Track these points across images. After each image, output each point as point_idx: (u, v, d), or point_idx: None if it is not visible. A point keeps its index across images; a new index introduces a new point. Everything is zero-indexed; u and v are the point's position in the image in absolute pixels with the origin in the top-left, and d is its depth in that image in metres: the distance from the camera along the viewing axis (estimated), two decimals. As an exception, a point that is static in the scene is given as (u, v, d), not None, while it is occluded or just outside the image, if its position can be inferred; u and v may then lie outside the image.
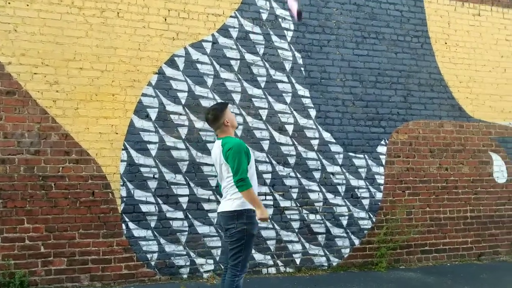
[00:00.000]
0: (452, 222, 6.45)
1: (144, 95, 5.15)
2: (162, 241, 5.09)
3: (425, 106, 6.45)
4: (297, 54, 5.84)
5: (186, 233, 5.20)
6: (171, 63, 5.28)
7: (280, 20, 5.80)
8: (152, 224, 5.07)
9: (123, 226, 4.96)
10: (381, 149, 6.16)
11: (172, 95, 5.26)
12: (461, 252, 6.47)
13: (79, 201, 4.83)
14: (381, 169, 6.12)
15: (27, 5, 4.80)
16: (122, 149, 5.02)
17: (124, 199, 4.99)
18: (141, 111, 5.13)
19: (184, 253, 5.17)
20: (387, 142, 6.19)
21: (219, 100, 5.43)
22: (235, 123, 3.69)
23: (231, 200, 3.42)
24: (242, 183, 3.33)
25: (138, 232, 5.02)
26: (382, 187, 6.11)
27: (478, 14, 6.89)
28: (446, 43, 6.65)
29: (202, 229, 5.26)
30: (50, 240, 4.71)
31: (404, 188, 6.23)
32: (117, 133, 5.01)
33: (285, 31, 5.81)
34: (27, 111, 4.74)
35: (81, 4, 4.97)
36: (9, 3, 4.74)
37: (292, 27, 5.85)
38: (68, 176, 4.81)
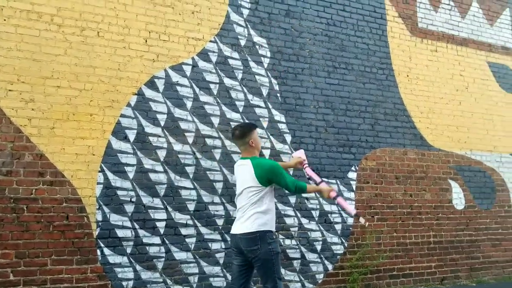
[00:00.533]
0: (417, 247, 6.67)
1: (122, 116, 5.03)
2: (138, 267, 4.89)
3: (391, 135, 6.74)
4: (274, 81, 5.96)
5: (163, 259, 5.03)
6: (151, 84, 5.22)
7: (257, 47, 5.92)
8: (128, 250, 4.87)
9: (98, 252, 4.73)
10: (352, 175, 6.33)
11: (151, 116, 5.18)
12: (425, 276, 6.68)
13: (52, 225, 4.56)
14: (352, 195, 6.28)
15: (4, 20, 4.61)
16: (99, 171, 4.84)
17: (100, 223, 4.77)
18: (119, 132, 4.99)
19: (161, 280, 4.98)
20: (357, 168, 6.38)
21: (199, 123, 5.40)
22: (259, 146, 3.79)
23: (251, 220, 3.41)
24: (300, 191, 3.59)
25: (113, 259, 4.79)
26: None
27: (435, 50, 7.38)
28: (408, 76, 7.04)
29: (179, 255, 5.11)
30: (20, 267, 4.39)
31: (373, 213, 6.40)
32: (94, 154, 4.83)
33: (262, 58, 5.94)
34: (0, 129, 4.48)
35: (60, 21, 4.85)
36: (-16, 16, 4.54)
37: (268, 54, 5.99)
38: (41, 198, 4.55)
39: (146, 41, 5.26)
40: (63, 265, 4.55)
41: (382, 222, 6.45)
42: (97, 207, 4.77)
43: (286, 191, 3.65)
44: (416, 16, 7.29)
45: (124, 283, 4.79)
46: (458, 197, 7.18)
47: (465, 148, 7.39)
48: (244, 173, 3.58)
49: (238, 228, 3.49)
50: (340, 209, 6.12)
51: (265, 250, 3.35)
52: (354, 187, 6.31)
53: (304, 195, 5.91)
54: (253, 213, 3.42)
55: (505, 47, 8.18)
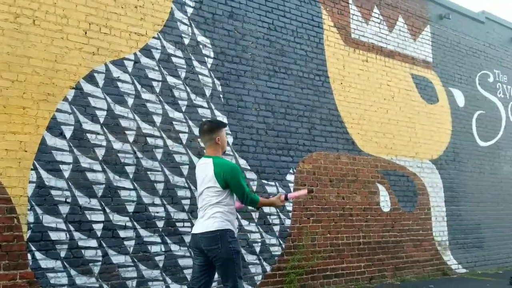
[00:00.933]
0: (348, 247, 6.92)
1: (58, 110, 4.71)
2: (72, 272, 4.58)
3: (326, 139, 6.96)
4: (217, 81, 5.92)
5: (100, 263, 4.76)
6: (90, 78, 4.96)
7: (201, 46, 5.85)
8: (62, 254, 4.55)
9: (29, 256, 4.37)
10: (290, 177, 6.44)
11: (89, 112, 4.90)
12: (355, 276, 6.95)
13: (-23, 228, 4.15)
14: (289, 197, 6.37)
15: None
16: (31, 169, 4.48)
17: (31, 225, 4.42)
18: (54, 128, 4.67)
19: (97, 285, 4.71)
20: (294, 171, 6.51)
21: (140, 122, 5.21)
22: (225, 146, 3.70)
23: (212, 219, 3.34)
24: (252, 203, 3.56)
25: (45, 263, 4.45)
26: (290, 214, 6.35)
27: (366, 60, 7.77)
28: (341, 83, 7.33)
29: (117, 258, 4.87)
30: None
31: (309, 215, 6.56)
32: (26, 151, 4.48)
33: (205, 58, 5.87)
34: None
35: (-9, 5, 4.45)
36: None
37: (212, 54, 5.94)
38: (-35, 198, 4.13)
39: (85, 33, 4.98)
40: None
41: (317, 224, 6.62)
42: (29, 207, 4.42)
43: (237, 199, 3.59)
44: (349, 27, 7.63)
45: (57, 290, 4.46)
46: (384, 200, 7.57)
47: (391, 154, 7.83)
48: (204, 172, 3.49)
49: (198, 227, 3.42)
50: (279, 210, 6.20)
51: (225, 249, 3.30)
52: (292, 189, 6.42)
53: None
54: (213, 213, 3.36)
55: (426, 61, 8.80)
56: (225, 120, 5.90)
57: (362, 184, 7.30)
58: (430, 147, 8.52)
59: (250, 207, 3.93)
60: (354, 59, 7.59)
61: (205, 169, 3.50)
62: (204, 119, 5.67)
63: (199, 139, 5.62)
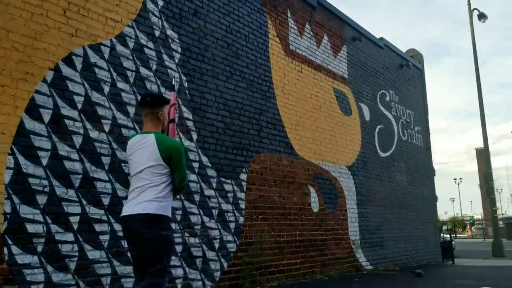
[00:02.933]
0: (287, 245, 7.30)
1: (37, 92, 4.32)
2: (49, 268, 4.20)
3: (271, 141, 7.30)
4: (183, 77, 5.90)
5: (76, 258, 4.43)
6: (69, 61, 4.63)
7: (170, 40, 5.80)
8: (39, 248, 4.15)
9: (5, 251, 3.91)
10: (243, 176, 6.63)
11: (68, 97, 4.57)
12: (293, 272, 7.34)
13: (-50, 217, 3.61)
14: (243, 195, 6.56)
15: None
16: (9, 154, 4.04)
17: (8, 216, 3.97)
18: (33, 110, 4.27)
19: (73, 283, 4.37)
20: (247, 170, 6.71)
21: (116, 111, 4.99)
22: (165, 123, 3.23)
23: (149, 202, 2.88)
24: (181, 192, 3.35)
25: (22, 258, 4.02)
26: (243, 212, 6.53)
27: (301, 71, 8.34)
28: (282, 91, 7.77)
29: (92, 254, 4.57)
30: None
31: (258, 213, 6.80)
32: (3, 134, 4.03)
33: (173, 52, 5.83)
34: None
35: (-31, -32, 3.96)
36: None
37: (179, 50, 5.92)
38: None
39: (64, 12, 4.66)
40: (-39, 268, 3.63)
41: (264, 222, 6.88)
42: (6, 196, 3.97)
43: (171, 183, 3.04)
44: (288, 38, 8.13)
45: (33, 287, 4.05)
46: (314, 201, 8.15)
47: (319, 159, 8.46)
48: (146, 149, 3.00)
49: (132, 209, 2.91)
50: (234, 208, 6.33)
51: (160, 235, 2.86)
52: (244, 188, 6.61)
53: (206, 193, 5.95)
54: (152, 196, 2.91)
55: (343, 77, 9.71)
56: (190, 117, 5.90)
57: (298, 186, 7.77)
58: (346, 154, 9.39)
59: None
60: (291, 68, 8.10)
61: (145, 145, 3.01)
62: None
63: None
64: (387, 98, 11.60)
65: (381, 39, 11.78)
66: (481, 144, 20.01)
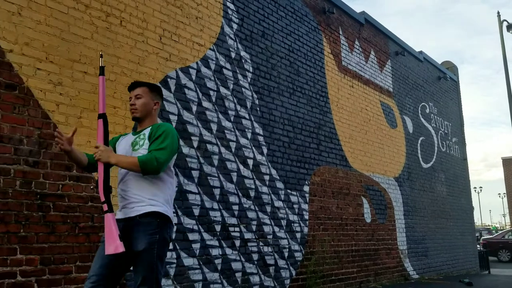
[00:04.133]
0: (345, 254, 7.59)
1: (141, 112, 4.73)
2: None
3: (328, 155, 7.63)
4: (255, 95, 6.28)
5: (174, 265, 4.80)
6: (165, 83, 5.04)
7: (243, 61, 6.19)
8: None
9: (120, 258, 4.29)
10: (306, 188, 6.96)
11: (165, 116, 4.98)
12: (350, 281, 7.62)
13: (78, 227, 4.01)
14: (306, 206, 6.89)
15: (34, -12, 4.00)
16: (120, 169, 4.44)
17: (121, 226, 4.35)
18: (137, 129, 4.67)
19: (173, 287, 4.74)
20: (309, 182, 7.05)
21: (202, 129, 5.38)
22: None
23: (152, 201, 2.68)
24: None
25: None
26: (307, 222, 6.85)
27: (352, 86, 8.67)
28: (337, 105, 8.11)
29: (187, 261, 4.94)
30: (45, 276, 3.74)
31: (319, 224, 7.11)
32: (116, 151, 4.43)
33: (246, 72, 6.22)
34: (28, 112, 3.82)
35: (87, 1, 4.40)
36: (14, -21, 3.87)
37: (251, 69, 6.30)
38: (68, 195, 3.98)
39: (160, 38, 5.08)
40: (87, 273, 4.01)
41: (324, 232, 7.19)
42: (119, 208, 4.35)
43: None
44: (341, 55, 8.48)
45: None
46: (367, 212, 8.43)
47: (370, 171, 8.75)
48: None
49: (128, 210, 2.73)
50: (299, 219, 6.66)
51: (162, 238, 2.71)
52: (307, 199, 6.94)
53: (276, 204, 6.29)
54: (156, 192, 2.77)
55: (388, 90, 10.01)
56: (261, 132, 6.27)
57: (353, 197, 8.07)
58: (393, 166, 9.65)
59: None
60: (344, 84, 8.44)
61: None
62: (247, 130, 6.00)
63: (243, 149, 5.92)
64: (427, 110, 11.84)
65: (421, 52, 12.06)
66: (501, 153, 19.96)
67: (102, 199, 2.62)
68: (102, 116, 2.74)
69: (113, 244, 2.48)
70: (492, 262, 14.57)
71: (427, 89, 12.04)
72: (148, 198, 2.67)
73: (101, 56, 2.87)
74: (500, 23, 19.21)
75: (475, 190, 69.87)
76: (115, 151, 2.87)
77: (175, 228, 4.70)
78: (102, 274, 2.59)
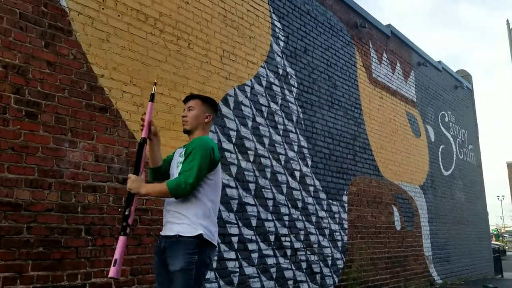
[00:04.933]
0: (379, 261, 7.87)
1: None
2: (221, 283, 4.84)
3: (363, 165, 7.91)
4: (299, 109, 6.57)
5: (238, 274, 5.07)
6: (225, 101, 5.32)
7: (289, 77, 6.48)
8: (214, 265, 4.80)
9: (193, 268, 4.56)
10: (345, 198, 7.24)
11: (226, 132, 5.26)
12: (384, 287, 7.89)
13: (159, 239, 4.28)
14: (345, 216, 7.17)
15: (119, 16, 4.28)
16: (191, 184, 4.71)
17: (193, 237, 4.62)
18: (204, 145, 4.95)
19: (236, 295, 5.01)
20: (347, 192, 7.33)
21: (256, 143, 5.66)
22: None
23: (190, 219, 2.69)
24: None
25: (203, 274, 4.66)
26: (347, 231, 7.13)
27: (381, 97, 8.96)
28: (369, 116, 8.40)
29: (247, 270, 5.21)
30: (134, 285, 4.01)
31: (357, 232, 7.39)
32: (187, 167, 4.70)
33: (292, 87, 6.50)
34: (117, 132, 4.09)
35: (162, 27, 4.68)
36: (102, 8, 4.15)
37: (296, 84, 6.59)
38: (150, 210, 4.25)
39: (221, 59, 5.37)
40: (167, 282, 4.28)
41: (361, 240, 7.47)
42: (191, 221, 4.62)
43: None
44: (371, 67, 8.78)
45: (211, 300, 4.69)
46: (397, 220, 8.70)
47: (399, 179, 9.04)
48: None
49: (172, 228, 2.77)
50: (340, 228, 6.94)
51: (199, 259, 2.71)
52: (346, 208, 7.22)
53: (320, 214, 6.57)
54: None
55: (413, 100, 10.30)
56: (305, 145, 6.54)
57: (384, 206, 8.35)
58: (419, 174, 9.94)
59: None
60: (374, 95, 8.73)
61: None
62: (294, 143, 6.28)
63: (291, 161, 6.19)
64: (446, 119, 12.14)
65: (439, 62, 12.36)
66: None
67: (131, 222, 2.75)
68: (143, 141, 2.80)
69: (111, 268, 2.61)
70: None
71: (445, 98, 12.34)
72: (188, 217, 2.64)
73: (155, 84, 2.96)
74: (510, 30, 19.57)
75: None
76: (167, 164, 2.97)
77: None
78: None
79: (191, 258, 2.58)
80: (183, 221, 2.66)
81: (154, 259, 2.86)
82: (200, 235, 2.62)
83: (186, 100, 2.99)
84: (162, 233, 2.80)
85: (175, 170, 2.84)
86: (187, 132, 2.92)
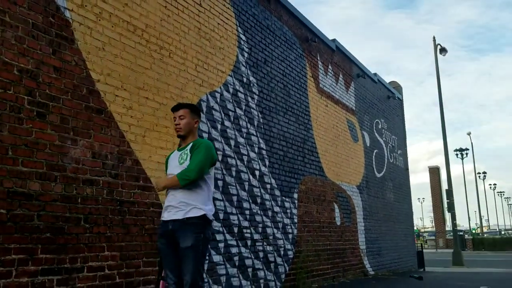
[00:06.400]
0: (322, 253, 8.74)
1: (183, 131, 5.56)
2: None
3: (310, 166, 8.76)
4: (260, 115, 7.26)
5: (207, 261, 5.66)
6: (199, 106, 5.89)
7: (252, 85, 7.15)
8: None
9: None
10: (296, 195, 8.03)
11: (199, 134, 5.83)
12: (326, 276, 8.79)
13: (144, 229, 4.80)
14: (296, 211, 7.96)
15: (112, 27, 4.74)
16: (170, 180, 5.25)
17: (171, 228, 5.16)
18: (181, 145, 5.50)
19: (206, 280, 5.60)
20: (298, 190, 8.13)
21: (224, 145, 6.28)
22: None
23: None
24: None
25: (179, 261, 5.22)
26: (296, 225, 7.92)
27: (326, 105, 9.88)
28: (316, 122, 9.27)
29: (215, 258, 5.81)
30: (123, 269, 4.50)
31: (304, 226, 8.21)
32: (167, 164, 5.24)
33: (254, 95, 7.19)
34: (111, 132, 4.56)
35: (147, 37, 5.18)
36: (99, 20, 4.60)
37: (257, 92, 7.28)
38: (137, 202, 4.76)
39: (196, 67, 5.93)
40: (150, 267, 4.81)
41: (308, 233, 8.30)
42: (170, 213, 5.16)
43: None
44: (318, 78, 9.67)
45: None
46: (337, 216, 9.65)
47: (339, 180, 10.00)
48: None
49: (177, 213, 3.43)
50: (291, 222, 7.71)
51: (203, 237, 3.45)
52: (296, 205, 8.01)
53: (275, 209, 7.30)
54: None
55: (352, 109, 11.35)
56: (264, 147, 7.25)
57: (327, 203, 9.26)
58: (356, 176, 11.00)
59: None
60: (321, 103, 9.63)
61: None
62: (255, 145, 6.97)
63: (252, 162, 6.88)
64: (380, 126, 13.38)
65: (375, 74, 13.59)
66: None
67: None
68: None
69: None
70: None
71: (379, 107, 13.58)
72: (193, 204, 3.32)
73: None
74: (435, 46, 21.51)
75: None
76: (166, 166, 3.71)
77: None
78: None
79: (198, 236, 3.27)
80: (189, 207, 3.36)
81: (160, 241, 3.42)
82: (204, 215, 3.35)
83: (175, 109, 3.65)
84: (168, 217, 3.40)
85: (175, 170, 3.48)
86: (181, 137, 3.62)
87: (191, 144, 3.53)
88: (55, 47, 4.13)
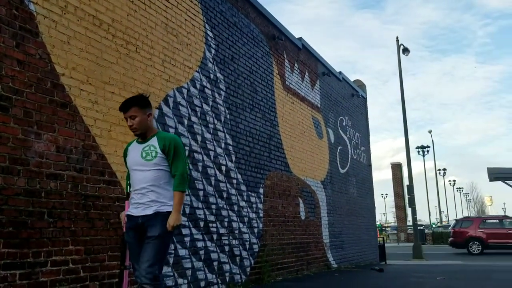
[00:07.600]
0: (287, 246, 8.93)
1: (149, 126, 5.58)
2: (158, 263, 5.45)
3: (276, 162, 8.91)
4: (226, 111, 7.34)
5: (173, 255, 5.71)
6: (166, 101, 5.93)
7: (219, 81, 7.22)
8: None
9: (137, 249, 5.14)
10: (261, 190, 8.17)
11: (166, 129, 5.86)
12: (290, 269, 8.98)
13: (109, 223, 4.81)
14: (261, 206, 8.09)
15: (78, 20, 4.72)
16: (136, 175, 5.27)
17: (137, 222, 5.19)
18: (147, 140, 5.52)
19: (171, 274, 5.66)
20: (263, 185, 8.26)
21: (191, 140, 6.34)
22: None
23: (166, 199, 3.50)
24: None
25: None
26: (262, 219, 8.06)
27: (292, 102, 10.05)
28: (282, 119, 9.43)
29: (181, 252, 5.88)
30: (88, 263, 4.51)
31: (270, 220, 8.36)
32: (133, 159, 5.26)
33: (221, 91, 7.26)
34: (75, 126, 4.55)
35: (113, 31, 5.18)
36: (64, 13, 4.57)
37: (224, 88, 7.35)
38: (102, 196, 4.76)
39: (163, 63, 5.96)
40: (116, 261, 4.83)
41: (273, 227, 8.46)
42: (136, 207, 5.19)
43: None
44: (284, 76, 9.82)
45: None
46: (302, 210, 9.86)
47: (304, 175, 10.20)
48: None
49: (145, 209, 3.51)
50: (256, 216, 7.84)
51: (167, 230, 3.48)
52: (262, 199, 8.15)
53: (241, 204, 7.41)
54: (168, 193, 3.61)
55: (317, 106, 11.58)
56: (231, 143, 7.34)
57: (292, 198, 9.45)
58: (320, 171, 11.24)
59: None
60: (287, 101, 9.79)
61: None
62: (221, 140, 7.05)
63: (219, 157, 6.96)
64: (344, 123, 13.69)
65: (340, 73, 13.87)
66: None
67: None
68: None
69: None
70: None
71: (344, 104, 13.89)
72: (161, 200, 3.44)
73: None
74: (398, 46, 22.06)
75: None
76: (125, 158, 3.71)
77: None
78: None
79: (165, 228, 3.38)
80: (159, 204, 3.49)
81: (128, 234, 3.47)
82: (170, 212, 3.45)
83: (124, 110, 3.56)
84: (137, 213, 3.46)
85: (142, 167, 3.51)
86: (139, 135, 3.62)
87: (155, 139, 3.56)
88: (18, 40, 4.09)
